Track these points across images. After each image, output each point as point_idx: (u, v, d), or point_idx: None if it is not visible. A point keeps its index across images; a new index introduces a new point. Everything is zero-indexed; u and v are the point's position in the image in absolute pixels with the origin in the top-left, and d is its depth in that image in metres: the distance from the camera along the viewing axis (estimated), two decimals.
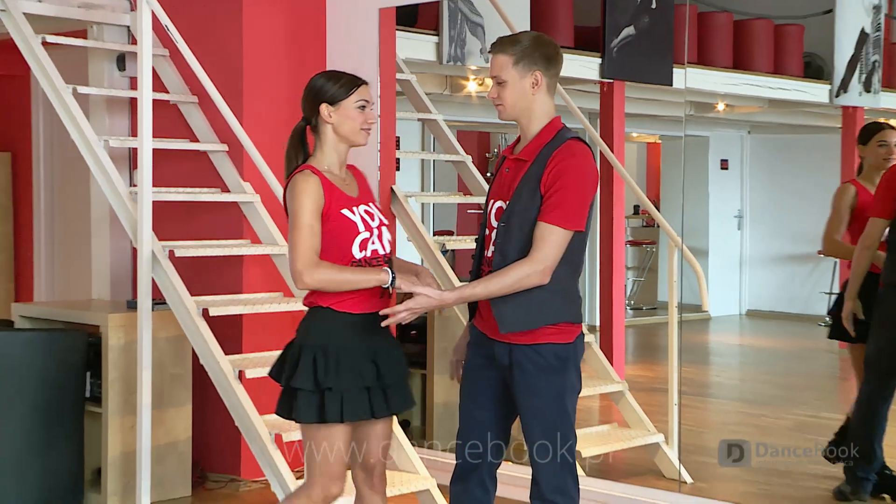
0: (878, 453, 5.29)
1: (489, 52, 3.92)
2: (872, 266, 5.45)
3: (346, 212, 3.85)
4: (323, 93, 3.89)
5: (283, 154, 4.03)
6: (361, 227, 3.87)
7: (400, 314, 3.79)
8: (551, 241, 3.71)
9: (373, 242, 3.89)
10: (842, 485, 5.33)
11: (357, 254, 3.83)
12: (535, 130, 3.85)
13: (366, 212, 3.92)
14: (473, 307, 3.99)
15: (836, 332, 5.71)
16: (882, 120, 5.84)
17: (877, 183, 5.54)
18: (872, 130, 5.69)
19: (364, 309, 3.87)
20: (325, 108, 3.88)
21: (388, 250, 3.95)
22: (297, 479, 5.10)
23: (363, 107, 3.90)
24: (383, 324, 3.83)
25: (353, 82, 3.91)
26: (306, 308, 3.94)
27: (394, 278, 3.82)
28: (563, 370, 3.82)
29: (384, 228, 3.96)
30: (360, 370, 3.87)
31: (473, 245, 4.29)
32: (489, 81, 6.66)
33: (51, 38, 5.94)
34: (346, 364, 3.85)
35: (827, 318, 5.82)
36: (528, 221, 3.77)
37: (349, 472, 4.06)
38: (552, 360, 3.80)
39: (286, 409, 3.89)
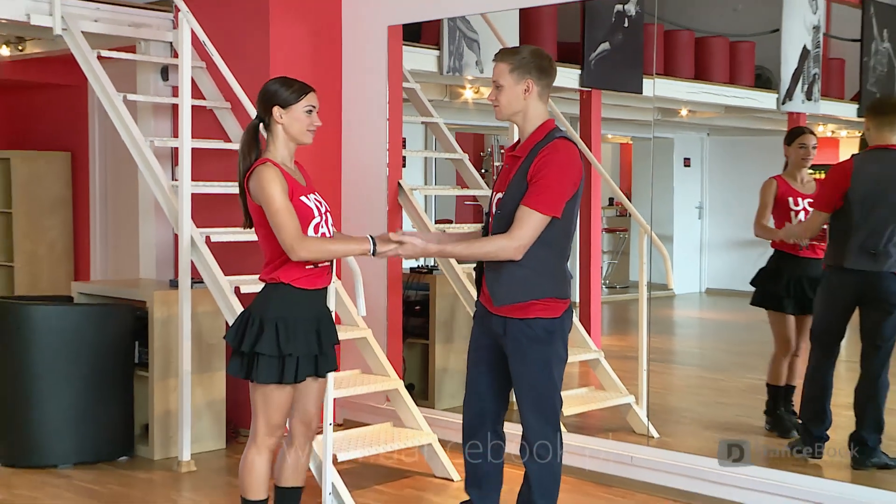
0: (828, 414, 5.25)
1: (493, 60, 3.94)
2: (792, 249, 5.57)
3: (303, 198, 3.88)
4: (276, 97, 3.90)
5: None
6: (315, 212, 3.90)
7: (390, 254, 3.87)
8: (528, 222, 3.73)
9: (322, 226, 3.92)
10: (797, 443, 5.29)
11: (311, 235, 3.87)
12: (530, 131, 3.88)
13: (316, 199, 3.95)
14: (479, 285, 4.03)
15: (759, 299, 5.80)
16: (809, 125, 5.88)
17: (797, 177, 5.60)
18: (795, 134, 5.72)
19: (315, 285, 3.94)
20: (277, 110, 3.89)
21: (332, 233, 3.99)
22: (317, 433, 5.17)
23: (310, 111, 3.92)
24: (380, 256, 3.87)
25: (303, 89, 3.93)
26: (267, 282, 3.95)
27: (375, 246, 3.84)
28: (550, 341, 3.85)
29: (329, 215, 3.99)
30: (310, 338, 3.94)
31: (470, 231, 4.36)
32: (484, 90, 6.72)
33: (105, 53, 5.99)
34: (301, 333, 3.90)
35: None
36: (514, 202, 3.80)
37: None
38: (540, 333, 3.83)
39: (243, 370, 3.92)
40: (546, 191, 3.74)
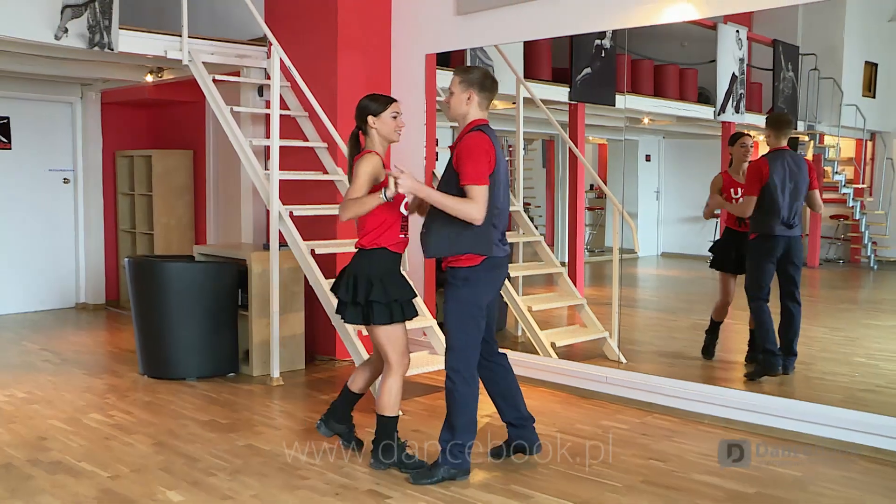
0: (777, 339, 5.19)
1: (453, 74, 3.82)
2: (732, 222, 5.52)
3: None
4: (369, 109, 3.85)
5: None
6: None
7: (395, 193, 3.64)
8: (476, 194, 3.60)
9: (403, 203, 3.87)
10: (758, 370, 5.14)
11: (403, 210, 3.86)
12: (462, 128, 3.78)
13: None
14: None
15: (715, 264, 5.74)
16: (745, 130, 5.85)
17: (740, 172, 5.55)
18: (737, 136, 5.67)
19: (401, 250, 3.89)
20: (371, 119, 3.84)
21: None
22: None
23: (395, 116, 3.85)
24: (389, 197, 3.65)
25: (388, 101, 3.87)
26: (367, 248, 3.83)
27: (385, 192, 3.67)
28: (464, 287, 3.71)
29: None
30: (406, 286, 3.89)
31: None
32: (496, 103, 6.61)
33: (218, 77, 6.02)
34: (399, 283, 3.86)
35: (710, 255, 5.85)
36: (447, 186, 3.70)
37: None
38: (457, 280, 3.71)
39: (361, 318, 3.81)
40: (469, 168, 3.60)
